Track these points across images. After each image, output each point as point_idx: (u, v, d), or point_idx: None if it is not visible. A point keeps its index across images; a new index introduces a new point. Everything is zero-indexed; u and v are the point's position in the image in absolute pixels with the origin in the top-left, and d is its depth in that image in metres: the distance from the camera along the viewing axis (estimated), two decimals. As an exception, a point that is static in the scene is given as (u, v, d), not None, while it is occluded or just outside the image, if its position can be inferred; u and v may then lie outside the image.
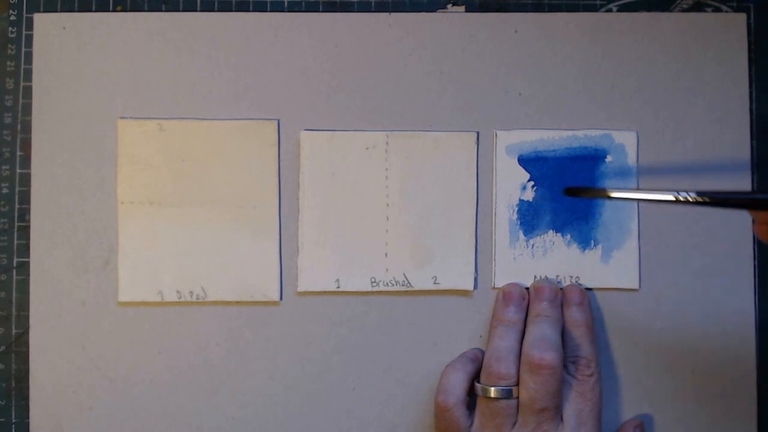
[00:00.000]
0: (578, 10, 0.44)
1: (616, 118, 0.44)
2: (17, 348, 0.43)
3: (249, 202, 0.43)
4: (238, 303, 0.43)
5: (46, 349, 0.42)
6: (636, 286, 0.43)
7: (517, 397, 0.39)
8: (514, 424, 0.39)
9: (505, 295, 0.42)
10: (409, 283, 0.43)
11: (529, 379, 0.38)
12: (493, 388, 0.39)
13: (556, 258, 0.43)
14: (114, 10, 0.44)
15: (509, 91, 0.44)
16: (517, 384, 0.39)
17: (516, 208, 0.43)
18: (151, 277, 0.42)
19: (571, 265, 0.43)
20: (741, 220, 0.43)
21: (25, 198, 0.43)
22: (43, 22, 0.43)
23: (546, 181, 0.43)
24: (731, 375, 0.43)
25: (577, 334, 0.41)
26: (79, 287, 0.43)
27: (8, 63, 0.43)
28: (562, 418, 0.39)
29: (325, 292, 0.43)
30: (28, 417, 0.42)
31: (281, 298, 0.43)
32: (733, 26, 0.44)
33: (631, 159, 0.43)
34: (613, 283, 0.43)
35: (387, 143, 0.43)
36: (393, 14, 0.44)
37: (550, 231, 0.43)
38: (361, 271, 0.43)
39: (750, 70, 0.44)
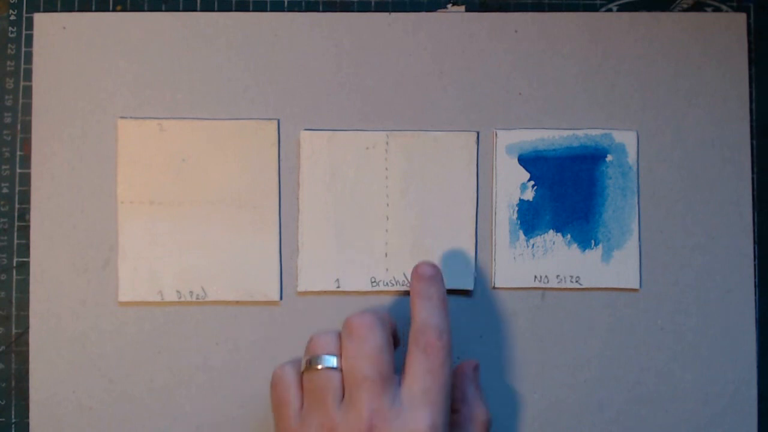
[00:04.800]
0: (578, 10, 0.44)
1: (616, 117, 0.44)
2: (17, 348, 0.43)
3: (249, 202, 0.43)
4: (238, 303, 0.43)
5: (46, 349, 0.42)
6: (636, 286, 0.43)
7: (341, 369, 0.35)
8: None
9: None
10: (409, 283, 0.43)
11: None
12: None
13: (556, 258, 0.43)
14: (114, 10, 0.44)
15: (509, 91, 0.43)
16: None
17: (516, 208, 0.43)
18: (151, 277, 0.42)
19: (571, 265, 0.43)
20: (741, 220, 0.43)
21: (25, 198, 0.43)
22: (43, 22, 0.43)
23: (546, 181, 0.43)
24: (731, 375, 0.43)
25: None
26: (79, 287, 0.43)
27: (8, 63, 0.43)
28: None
29: (325, 292, 0.43)
30: (28, 417, 0.42)
31: (281, 298, 0.43)
32: (733, 26, 0.44)
33: (632, 158, 0.43)
34: (614, 283, 0.43)
35: (387, 143, 0.43)
36: (393, 14, 0.44)
37: (551, 231, 0.43)
38: (361, 271, 0.43)
39: (750, 70, 0.44)
